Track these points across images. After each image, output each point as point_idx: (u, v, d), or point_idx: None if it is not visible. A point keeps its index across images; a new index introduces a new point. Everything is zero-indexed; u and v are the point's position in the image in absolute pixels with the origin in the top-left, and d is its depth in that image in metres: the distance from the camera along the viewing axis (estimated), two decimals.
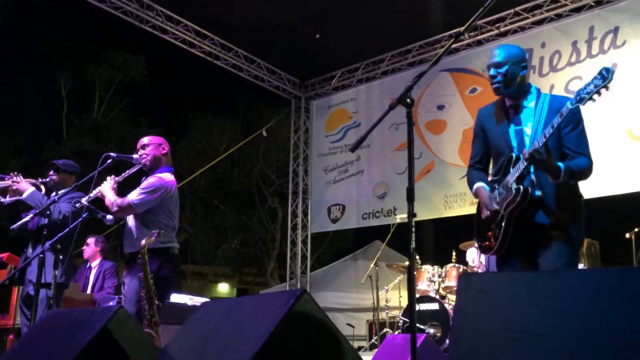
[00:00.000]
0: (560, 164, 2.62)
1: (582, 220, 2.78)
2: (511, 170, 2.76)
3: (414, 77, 2.45)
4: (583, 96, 2.43)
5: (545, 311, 1.39)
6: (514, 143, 2.82)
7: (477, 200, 3.05)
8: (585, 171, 2.72)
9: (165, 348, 2.20)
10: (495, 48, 2.95)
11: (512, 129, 2.86)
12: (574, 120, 2.73)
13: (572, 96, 2.52)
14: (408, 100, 2.33)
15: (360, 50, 9.17)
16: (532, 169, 2.71)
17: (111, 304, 5.53)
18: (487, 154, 3.06)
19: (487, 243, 2.83)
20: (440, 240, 13.64)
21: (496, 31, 7.99)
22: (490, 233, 2.81)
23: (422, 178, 8.33)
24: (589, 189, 6.27)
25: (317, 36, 8.56)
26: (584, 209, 2.81)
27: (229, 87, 18.38)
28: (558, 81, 7.27)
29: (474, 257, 5.55)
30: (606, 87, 2.36)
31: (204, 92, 22.01)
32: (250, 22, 8.35)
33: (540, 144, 2.57)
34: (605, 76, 2.36)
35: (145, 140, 4.03)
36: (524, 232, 2.70)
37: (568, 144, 2.75)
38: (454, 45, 8.32)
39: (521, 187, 2.66)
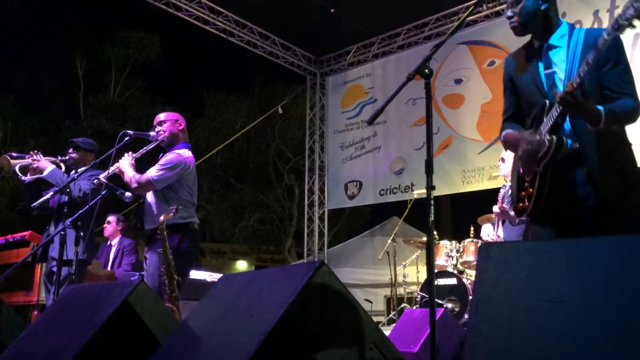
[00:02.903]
0: (600, 107, 2.21)
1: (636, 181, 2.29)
2: (544, 119, 2.36)
3: (432, 48, 2.40)
4: (622, 23, 2.03)
5: (567, 279, 1.37)
6: (546, 88, 2.40)
7: (508, 156, 2.67)
8: (630, 113, 2.31)
9: (185, 321, 2.23)
10: None
11: (542, 72, 2.44)
12: (615, 57, 2.29)
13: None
14: (426, 70, 2.29)
15: (375, 25, 9.06)
16: (567, 117, 2.32)
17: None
18: (519, 106, 2.63)
19: (520, 204, 2.45)
20: (458, 215, 13.60)
21: None
22: (523, 193, 2.44)
23: (440, 153, 8.27)
24: None
25: (332, 11, 8.45)
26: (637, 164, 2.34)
27: (244, 65, 18.33)
28: None
29: (489, 232, 5.51)
30: None
31: (219, 70, 21.99)
32: None
33: (575, 84, 2.19)
34: None
35: (161, 116, 4.03)
36: (563, 196, 2.31)
37: (609, 85, 2.31)
38: (471, 17, 8.18)
39: (554, 137, 2.28)
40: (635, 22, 2.02)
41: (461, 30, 8.07)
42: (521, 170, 2.48)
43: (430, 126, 2.24)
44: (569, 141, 2.31)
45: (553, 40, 2.46)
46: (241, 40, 9.14)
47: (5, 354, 2.41)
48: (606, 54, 2.23)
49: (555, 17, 2.50)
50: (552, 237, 2.38)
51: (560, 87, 2.35)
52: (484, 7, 8.06)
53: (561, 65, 2.40)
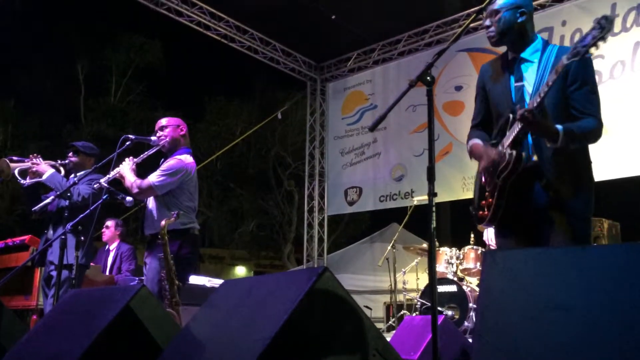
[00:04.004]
0: (559, 126, 2.31)
1: (587, 190, 2.43)
2: (507, 132, 2.47)
3: (434, 55, 2.41)
4: (579, 50, 2.16)
5: (572, 286, 1.37)
6: (515, 100, 2.51)
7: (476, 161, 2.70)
8: (590, 133, 2.40)
9: (186, 326, 2.22)
10: None
11: (513, 85, 2.55)
12: (581, 78, 2.40)
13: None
14: (428, 77, 2.29)
15: (376, 31, 9.07)
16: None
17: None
18: (489, 114, 2.74)
19: (480, 212, 2.57)
20: (457, 222, 13.56)
21: None
22: (484, 202, 2.55)
23: (440, 160, 8.26)
24: (611, 169, 6.23)
25: (333, 17, 8.47)
26: (592, 178, 2.48)
27: (245, 70, 18.37)
28: None
29: (492, 236, 5.52)
30: (603, 38, 2.13)
31: (220, 75, 22.03)
32: (265, 4, 8.29)
33: (535, 104, 2.30)
34: (603, 25, 2.12)
35: (163, 121, 4.03)
36: (520, 205, 2.44)
37: (574, 104, 2.41)
38: (472, 25, 8.19)
39: (514, 152, 2.39)
40: (593, 49, 2.15)
41: (461, 38, 8.08)
42: (483, 181, 2.60)
43: (432, 132, 2.24)
44: (530, 155, 2.43)
45: (526, 54, 2.57)
46: (242, 45, 9.16)
47: (6, 358, 2.40)
48: (573, 74, 2.37)
49: (531, 31, 2.60)
50: (513, 246, 2.51)
51: (528, 100, 2.46)
52: (485, 14, 8.07)
53: (530, 79, 2.50)
